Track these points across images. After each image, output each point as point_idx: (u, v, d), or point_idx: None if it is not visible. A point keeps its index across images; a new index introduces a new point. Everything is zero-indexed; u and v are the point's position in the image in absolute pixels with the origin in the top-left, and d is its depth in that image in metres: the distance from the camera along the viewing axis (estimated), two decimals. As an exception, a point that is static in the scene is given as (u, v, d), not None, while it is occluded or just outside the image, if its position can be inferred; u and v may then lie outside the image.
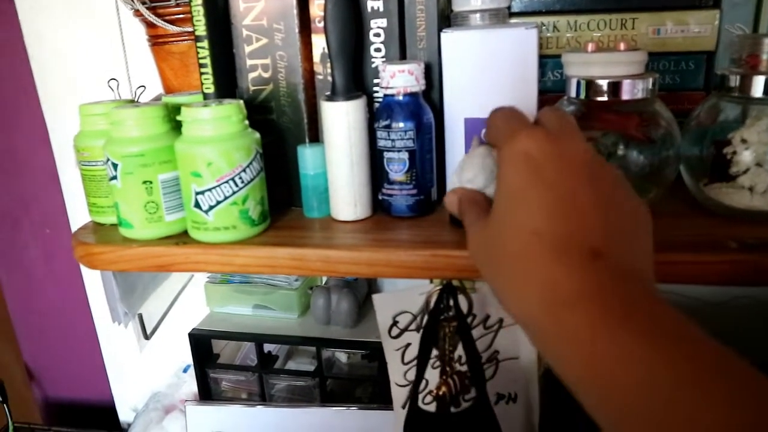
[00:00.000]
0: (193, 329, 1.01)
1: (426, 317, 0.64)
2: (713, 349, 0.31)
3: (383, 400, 0.88)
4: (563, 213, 0.37)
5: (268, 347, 1.02)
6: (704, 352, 0.31)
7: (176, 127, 0.59)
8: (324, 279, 1.03)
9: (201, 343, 1.01)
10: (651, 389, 0.30)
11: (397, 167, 0.59)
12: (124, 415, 1.33)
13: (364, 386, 1.00)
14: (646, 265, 0.38)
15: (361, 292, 0.98)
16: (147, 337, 0.96)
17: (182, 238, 0.60)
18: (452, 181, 0.54)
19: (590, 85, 0.56)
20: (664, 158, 0.57)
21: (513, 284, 0.38)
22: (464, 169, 0.52)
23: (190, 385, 1.14)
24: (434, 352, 0.67)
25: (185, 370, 1.18)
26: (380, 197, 0.61)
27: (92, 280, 1.23)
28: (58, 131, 1.14)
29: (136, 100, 0.78)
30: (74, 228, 0.65)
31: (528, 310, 0.36)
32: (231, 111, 0.56)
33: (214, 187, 0.56)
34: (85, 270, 1.23)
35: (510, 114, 0.43)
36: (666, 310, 0.33)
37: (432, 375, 0.68)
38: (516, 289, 0.37)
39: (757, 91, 0.54)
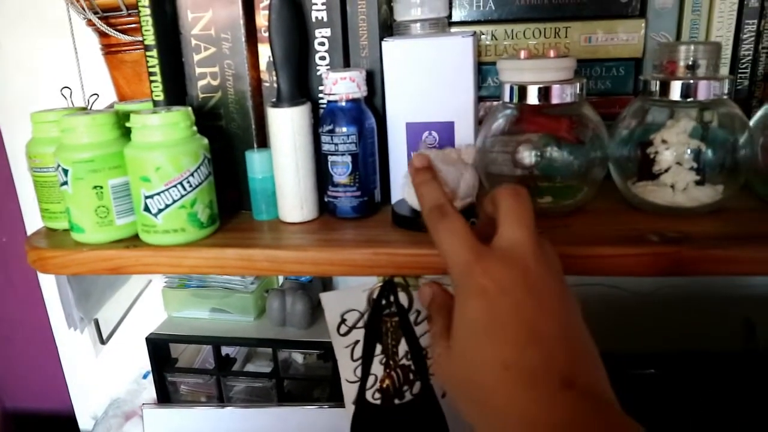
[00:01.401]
0: (150, 333, 1.02)
1: (368, 313, 0.67)
2: None
3: (340, 400, 0.90)
4: (528, 342, 0.38)
5: (226, 350, 1.03)
6: None
7: (126, 133, 0.60)
8: (280, 281, 1.05)
9: (159, 348, 1.02)
10: None
11: (340, 170, 0.61)
12: (84, 423, 1.33)
13: (322, 387, 1.02)
14: (602, 372, 0.40)
15: (316, 294, 1.00)
16: (103, 342, 0.96)
17: (133, 241, 0.61)
18: (402, 183, 0.57)
19: (522, 90, 0.59)
20: (593, 159, 0.60)
21: (489, 417, 0.39)
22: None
23: (150, 391, 1.15)
24: (380, 348, 0.70)
25: (145, 376, 1.18)
26: (326, 199, 0.64)
27: (49, 287, 1.23)
28: (13, 139, 1.14)
29: (89, 108, 0.79)
30: (31, 235, 0.66)
31: None
32: (179, 117, 0.58)
33: (162, 191, 0.57)
34: (42, 278, 1.23)
35: (459, 229, 0.43)
36: (627, 422, 0.36)
37: (381, 370, 0.71)
38: (492, 422, 0.39)
39: (675, 94, 0.57)
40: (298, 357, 1.02)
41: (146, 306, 1.13)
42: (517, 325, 0.39)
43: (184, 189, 0.58)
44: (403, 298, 0.67)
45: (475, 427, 0.40)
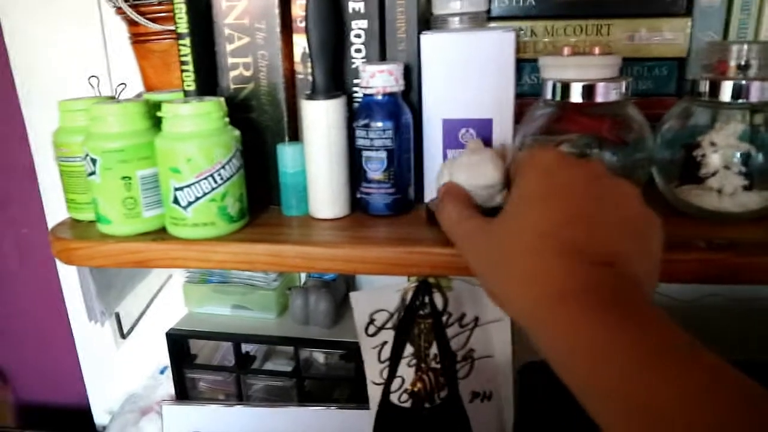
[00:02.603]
0: (170, 329, 1.00)
1: (401, 314, 0.65)
2: (705, 359, 0.32)
3: (360, 402, 0.89)
4: (573, 222, 0.39)
5: (246, 347, 1.02)
6: (694, 360, 0.32)
7: (156, 124, 0.59)
8: (302, 279, 1.04)
9: (178, 343, 1.01)
10: (635, 383, 0.31)
11: (375, 166, 0.60)
12: (100, 417, 1.32)
13: (342, 388, 1.01)
14: (649, 276, 0.40)
15: (340, 292, 0.98)
16: (123, 336, 0.95)
17: (160, 234, 0.60)
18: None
19: (565, 87, 0.57)
20: (636, 160, 0.58)
21: (515, 279, 0.39)
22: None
23: (166, 386, 1.14)
24: (411, 350, 0.68)
25: (162, 372, 1.17)
26: (358, 196, 0.62)
27: (69, 280, 1.22)
28: (37, 129, 1.13)
29: (116, 97, 0.78)
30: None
31: (525, 304, 0.38)
32: (211, 108, 0.56)
33: (193, 183, 0.56)
34: (62, 270, 1.22)
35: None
36: (660, 317, 0.35)
37: (409, 373, 0.69)
38: (517, 284, 0.39)
39: (725, 96, 0.55)
40: (319, 356, 1.00)
41: (166, 301, 1.12)
42: (567, 202, 0.40)
43: (215, 182, 0.56)
44: (437, 299, 0.65)
45: (494, 292, 0.41)
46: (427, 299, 0.64)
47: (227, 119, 0.58)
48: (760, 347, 0.88)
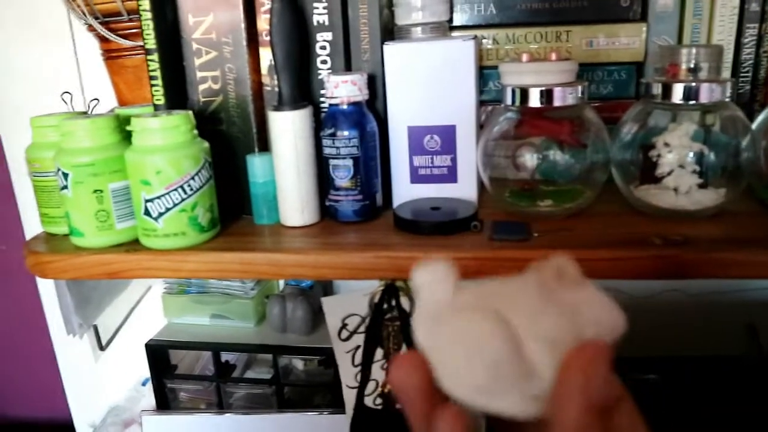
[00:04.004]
0: (149, 340, 1.01)
1: (369, 317, 0.66)
2: None
3: (340, 406, 0.90)
4: None
5: (226, 356, 1.03)
6: None
7: (126, 137, 0.60)
8: (280, 287, 1.05)
9: (158, 354, 1.02)
10: None
11: (342, 174, 0.61)
12: (83, 431, 1.32)
13: (322, 393, 1.02)
14: None
15: (317, 299, 0.99)
16: (102, 348, 0.96)
17: (133, 245, 0.61)
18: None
19: (524, 92, 0.59)
20: (594, 162, 0.60)
21: None
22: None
23: (149, 398, 1.14)
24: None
25: (144, 383, 1.18)
26: (327, 203, 0.63)
27: (49, 295, 1.22)
28: (13, 147, 1.13)
29: (89, 112, 0.79)
30: (30, 243, 0.66)
31: None
32: (179, 121, 0.57)
33: (163, 195, 0.57)
34: (41, 285, 1.22)
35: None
36: None
37: (382, 375, 0.70)
38: None
39: (677, 97, 0.57)
40: (298, 363, 1.01)
41: (146, 312, 1.12)
42: None
43: (185, 192, 0.58)
44: (404, 302, 0.66)
45: None
46: (393, 302, 0.65)
47: (196, 132, 0.59)
48: (715, 343, 0.89)
